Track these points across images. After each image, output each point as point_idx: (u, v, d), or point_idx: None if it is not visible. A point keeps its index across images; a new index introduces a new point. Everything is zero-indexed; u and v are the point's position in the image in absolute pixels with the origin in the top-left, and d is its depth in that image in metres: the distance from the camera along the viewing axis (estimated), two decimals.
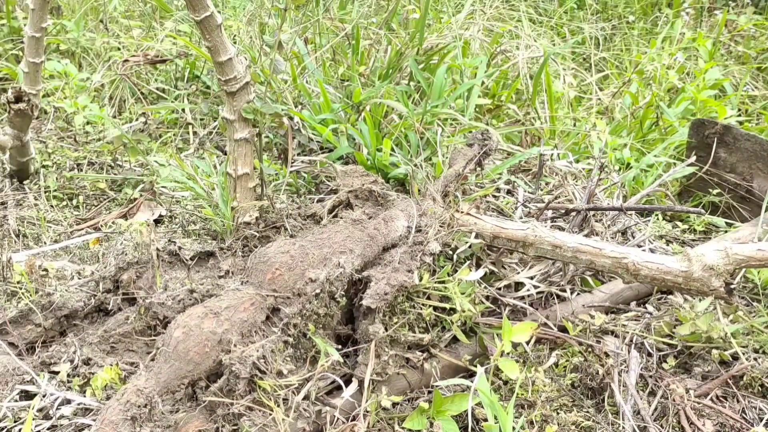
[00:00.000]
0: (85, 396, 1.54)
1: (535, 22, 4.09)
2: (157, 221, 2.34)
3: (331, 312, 1.61)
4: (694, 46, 3.66)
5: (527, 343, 1.75)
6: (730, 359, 1.74)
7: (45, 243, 2.19)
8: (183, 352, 1.39)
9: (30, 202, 2.40)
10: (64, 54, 3.26)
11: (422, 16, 2.90)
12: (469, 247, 1.82)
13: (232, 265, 1.81)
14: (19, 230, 2.22)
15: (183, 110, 2.92)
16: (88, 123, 2.75)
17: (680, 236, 2.38)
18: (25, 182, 2.49)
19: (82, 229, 2.29)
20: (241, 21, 3.55)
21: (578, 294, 1.99)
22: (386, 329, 1.60)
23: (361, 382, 1.55)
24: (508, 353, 1.61)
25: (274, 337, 1.48)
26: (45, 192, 2.46)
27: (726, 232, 2.36)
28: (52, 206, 2.39)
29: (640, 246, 2.19)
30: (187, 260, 1.80)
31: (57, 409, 1.52)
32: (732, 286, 1.60)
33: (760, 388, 1.69)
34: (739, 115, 3.28)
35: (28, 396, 1.57)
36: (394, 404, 1.58)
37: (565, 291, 1.95)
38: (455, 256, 1.79)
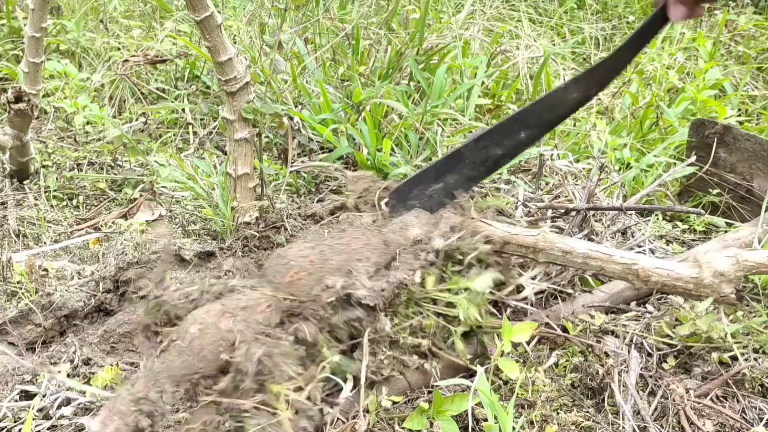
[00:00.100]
0: (85, 396, 1.55)
1: (535, 22, 4.09)
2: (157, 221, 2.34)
3: (339, 322, 1.60)
4: (694, 46, 3.66)
5: (527, 343, 1.75)
6: (730, 362, 1.74)
7: (45, 243, 2.19)
8: (197, 349, 1.38)
9: (30, 202, 2.40)
10: (64, 54, 3.26)
11: (422, 16, 2.90)
12: (478, 252, 1.81)
13: (232, 265, 1.81)
14: (19, 230, 2.22)
15: (183, 110, 2.92)
16: (88, 123, 2.74)
17: (680, 236, 2.38)
18: (25, 182, 2.49)
19: (82, 229, 2.29)
20: (241, 21, 3.55)
21: (578, 294, 1.99)
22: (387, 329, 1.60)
23: (357, 379, 1.55)
24: (508, 353, 1.61)
25: (286, 342, 1.48)
26: (45, 192, 2.45)
27: (726, 232, 2.36)
28: (52, 206, 2.39)
29: (640, 246, 2.19)
30: (191, 258, 1.80)
31: (57, 409, 1.52)
32: (741, 293, 1.60)
33: (760, 388, 1.69)
34: (739, 115, 3.28)
35: (28, 396, 1.57)
36: (394, 404, 1.58)
37: (565, 291, 1.95)
38: (466, 261, 1.78)
